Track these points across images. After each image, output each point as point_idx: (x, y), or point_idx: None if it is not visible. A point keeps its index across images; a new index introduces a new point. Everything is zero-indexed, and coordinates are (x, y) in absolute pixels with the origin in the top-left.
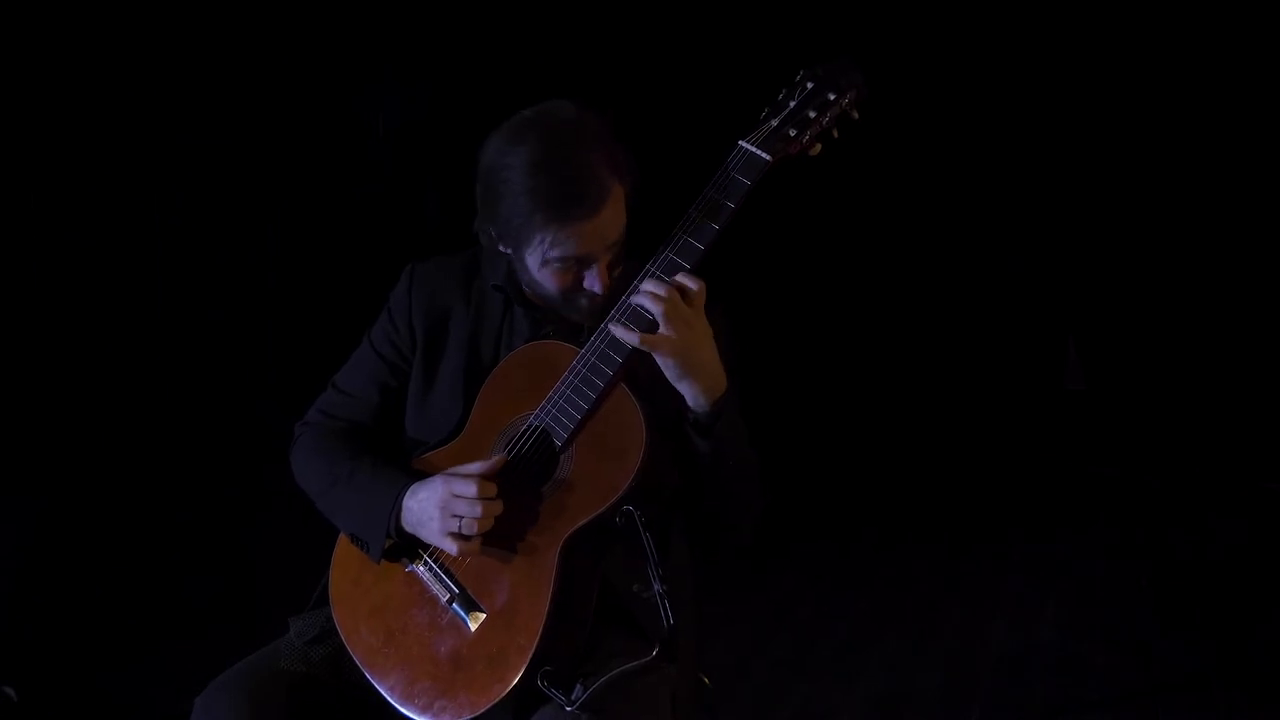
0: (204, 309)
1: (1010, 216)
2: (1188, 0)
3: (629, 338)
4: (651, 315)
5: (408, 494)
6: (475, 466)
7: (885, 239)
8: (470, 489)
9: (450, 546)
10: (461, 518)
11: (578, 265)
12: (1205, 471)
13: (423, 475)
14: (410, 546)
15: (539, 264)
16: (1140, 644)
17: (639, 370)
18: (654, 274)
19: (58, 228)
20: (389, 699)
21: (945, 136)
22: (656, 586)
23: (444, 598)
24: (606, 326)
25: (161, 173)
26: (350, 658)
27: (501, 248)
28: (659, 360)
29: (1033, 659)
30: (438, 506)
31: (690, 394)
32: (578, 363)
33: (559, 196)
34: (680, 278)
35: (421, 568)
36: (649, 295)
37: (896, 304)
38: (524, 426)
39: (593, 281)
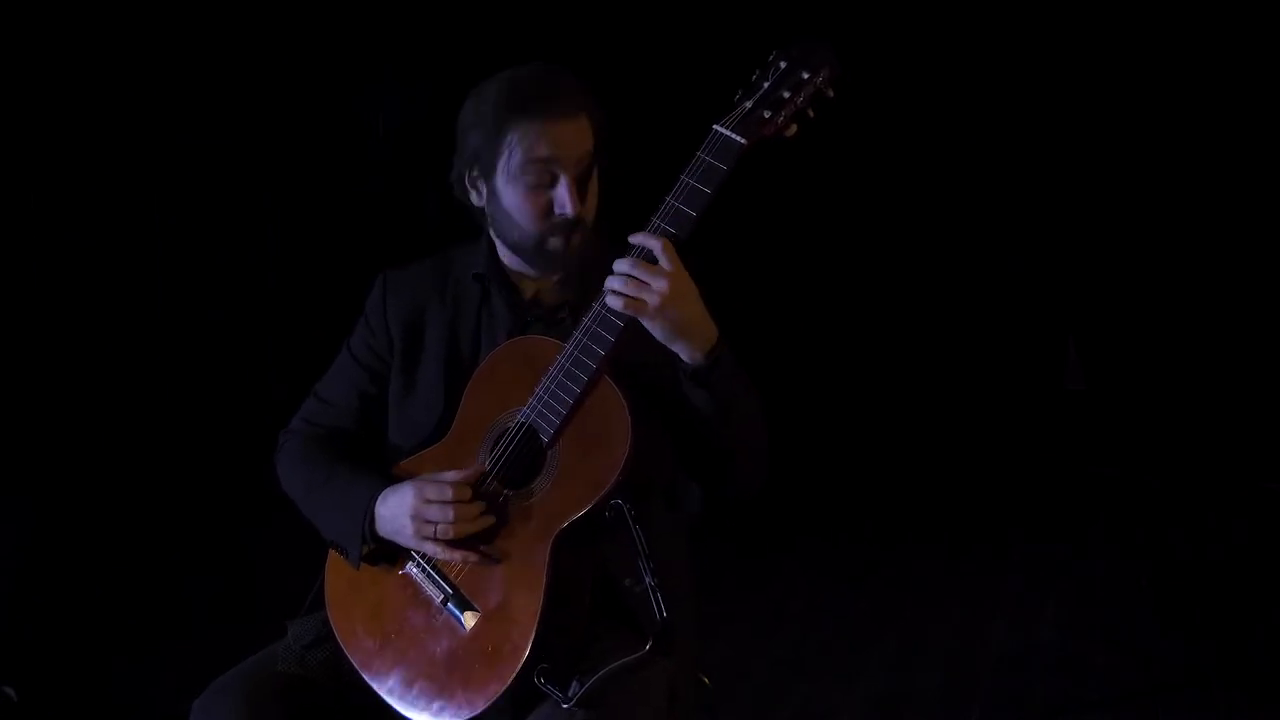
0: (204, 309)
1: (1010, 216)
2: (1188, 0)
3: (615, 302)
4: (626, 292)
5: (379, 501)
6: (450, 475)
7: (885, 239)
8: (444, 493)
9: (433, 551)
10: (435, 524)
11: (547, 180)
12: (1205, 471)
13: (401, 479)
14: (396, 548)
15: (509, 182)
16: (1140, 644)
17: (625, 362)
18: (639, 250)
19: (58, 228)
20: (387, 700)
21: (945, 136)
22: (648, 579)
23: (438, 598)
24: (595, 308)
25: (161, 173)
26: (348, 660)
27: (474, 196)
28: (647, 325)
29: (1033, 659)
30: (409, 515)
31: (685, 351)
32: (562, 357)
33: (526, 98)
34: (639, 239)
35: (415, 569)
36: (618, 274)
37: (896, 304)
38: (510, 424)
39: (561, 202)
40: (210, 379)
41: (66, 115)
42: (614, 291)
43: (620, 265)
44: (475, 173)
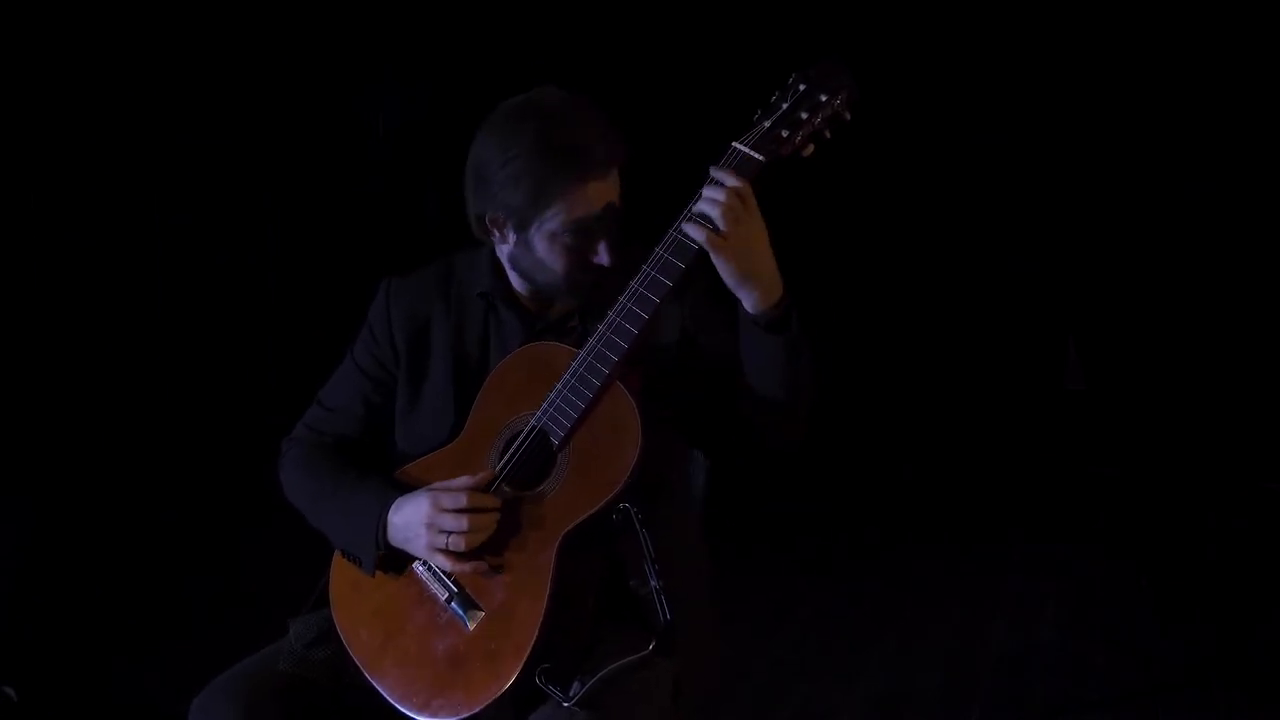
0: (204, 309)
1: (1011, 217)
2: (1188, 0)
3: (698, 235)
4: (711, 219)
5: (391, 509)
6: (462, 481)
7: (886, 239)
8: (459, 500)
9: (441, 562)
10: (449, 533)
11: (589, 235)
12: (1205, 471)
13: (412, 487)
14: (405, 555)
15: (549, 240)
16: (1140, 644)
17: (642, 348)
18: (657, 261)
19: (58, 228)
20: (388, 698)
21: (945, 136)
22: (653, 582)
23: (442, 597)
24: (610, 316)
25: (161, 173)
26: (350, 659)
27: (496, 238)
28: (718, 264)
29: (1033, 659)
30: (423, 523)
31: (750, 298)
32: (575, 363)
33: (574, 157)
34: (724, 179)
35: (420, 567)
36: (708, 200)
37: (897, 304)
38: (521, 428)
39: (602, 256)
40: (210, 379)
41: (66, 115)
42: (702, 217)
43: (709, 193)
44: (505, 222)
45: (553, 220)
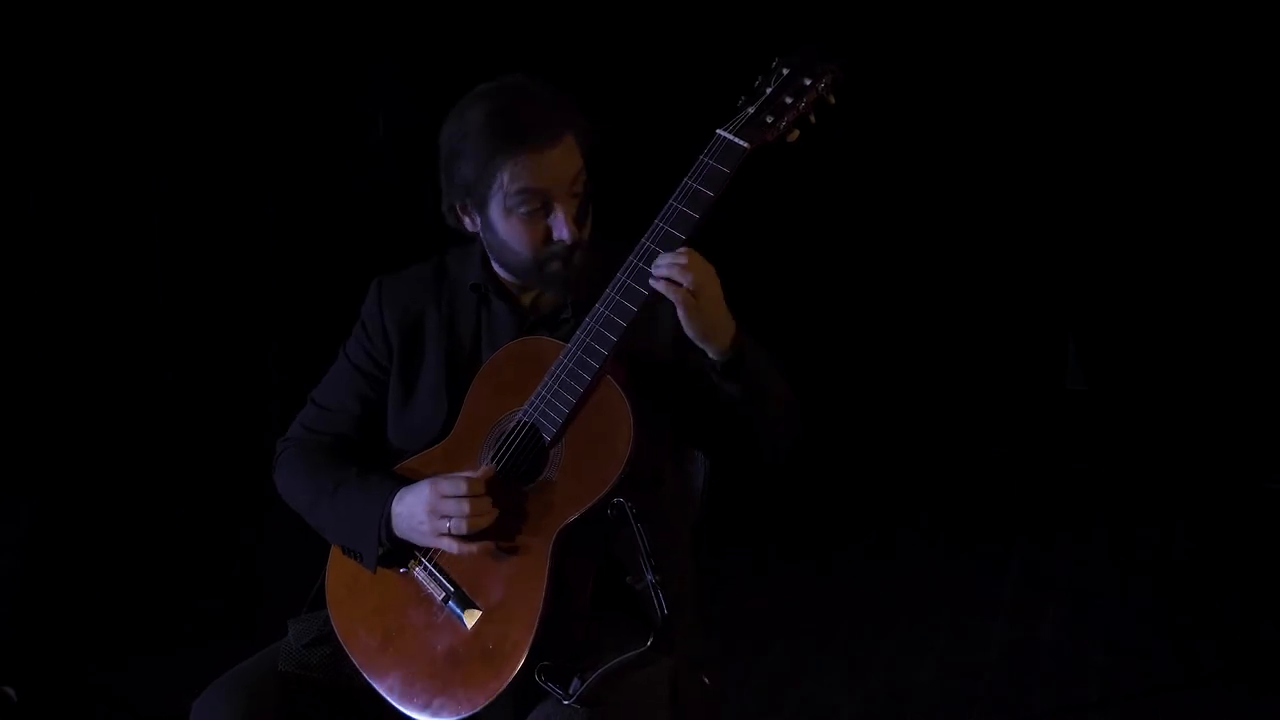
0: (204, 310)
1: (1012, 217)
2: (1188, 0)
3: (673, 296)
4: (680, 283)
5: (395, 500)
6: (464, 474)
7: (885, 238)
8: (459, 487)
9: (448, 546)
10: (450, 518)
11: (541, 208)
12: (1205, 471)
13: (410, 481)
14: (405, 550)
15: (504, 214)
16: (1140, 644)
17: (630, 353)
18: (643, 252)
19: (57, 227)
20: (388, 698)
21: (946, 134)
22: (649, 577)
23: (440, 596)
24: (598, 308)
25: (161, 174)
26: (349, 659)
27: (468, 223)
28: (688, 322)
29: (1033, 659)
30: (426, 510)
31: (713, 350)
32: (564, 357)
33: (512, 130)
34: (663, 258)
35: (417, 567)
36: (673, 266)
37: (897, 303)
38: (512, 423)
39: (560, 229)
40: (212, 379)
41: (66, 115)
42: (665, 280)
43: (664, 259)
44: (468, 203)
45: (501, 191)
